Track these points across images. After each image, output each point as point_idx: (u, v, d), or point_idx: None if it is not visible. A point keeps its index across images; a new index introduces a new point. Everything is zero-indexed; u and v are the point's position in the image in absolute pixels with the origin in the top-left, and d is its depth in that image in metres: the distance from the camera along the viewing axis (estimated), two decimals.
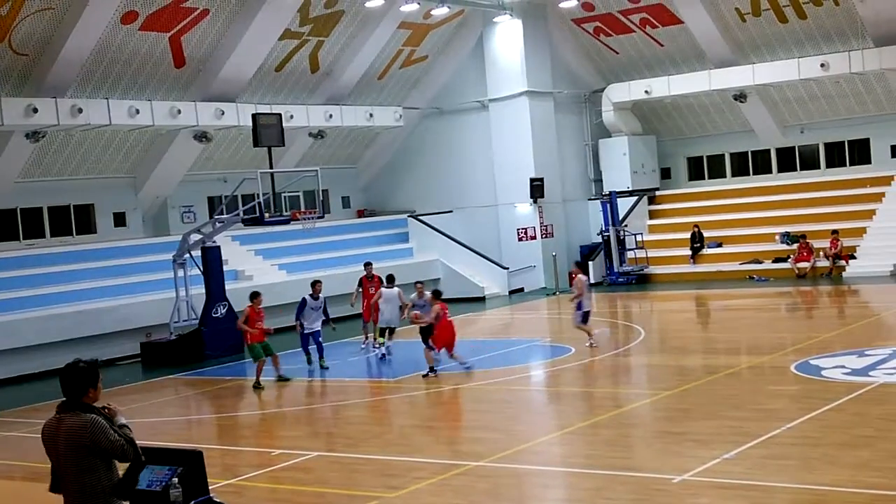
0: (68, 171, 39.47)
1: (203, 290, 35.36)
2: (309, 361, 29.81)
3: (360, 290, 33.10)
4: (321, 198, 37.36)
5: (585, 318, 28.80)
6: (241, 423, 23.72)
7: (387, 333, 30.56)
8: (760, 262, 44.74)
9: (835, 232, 42.88)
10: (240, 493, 16.50)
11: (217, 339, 34.25)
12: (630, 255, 47.67)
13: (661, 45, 48.67)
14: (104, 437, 8.94)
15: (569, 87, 50.46)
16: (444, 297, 28.29)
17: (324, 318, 29.90)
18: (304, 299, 29.62)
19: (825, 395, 19.92)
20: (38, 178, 38.60)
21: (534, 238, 47.94)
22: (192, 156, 41.95)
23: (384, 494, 15.76)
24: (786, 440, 16.88)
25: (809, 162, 49.17)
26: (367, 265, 33.56)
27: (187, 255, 35.26)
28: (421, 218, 48.97)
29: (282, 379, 27.53)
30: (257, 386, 26.92)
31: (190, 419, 25.23)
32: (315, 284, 29.82)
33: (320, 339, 29.66)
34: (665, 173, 52.55)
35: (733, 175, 51.29)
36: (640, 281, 46.77)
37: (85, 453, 8.96)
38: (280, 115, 36.68)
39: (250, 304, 27.45)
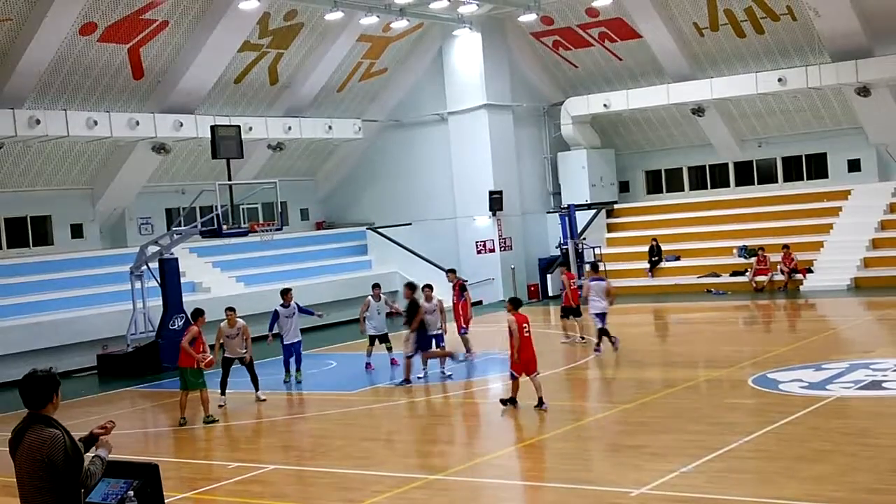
0: (25, 183, 39.22)
1: (160, 303, 35.17)
2: (287, 378, 29.08)
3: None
4: (280, 210, 37.38)
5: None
6: (198, 435, 23.56)
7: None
8: (718, 276, 44.92)
9: (786, 247, 43.10)
10: None
11: (174, 352, 33.86)
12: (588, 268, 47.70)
13: (620, 59, 48.86)
14: (62, 455, 8.85)
15: (528, 101, 50.58)
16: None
17: (309, 315, 29.73)
18: (275, 310, 29.10)
19: (782, 409, 20.00)
20: None
21: (492, 251, 47.99)
22: (151, 167, 41.76)
23: None
24: (743, 454, 16.93)
25: (767, 176, 49.43)
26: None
27: (145, 266, 35.09)
28: (380, 230, 48.92)
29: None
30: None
31: (146, 432, 25.07)
32: (285, 293, 29.32)
33: (300, 350, 29.25)
34: (623, 187, 52.70)
35: (691, 189, 51.50)
36: None
37: (39, 471, 8.84)
38: (239, 127, 36.64)
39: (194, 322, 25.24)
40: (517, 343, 21.80)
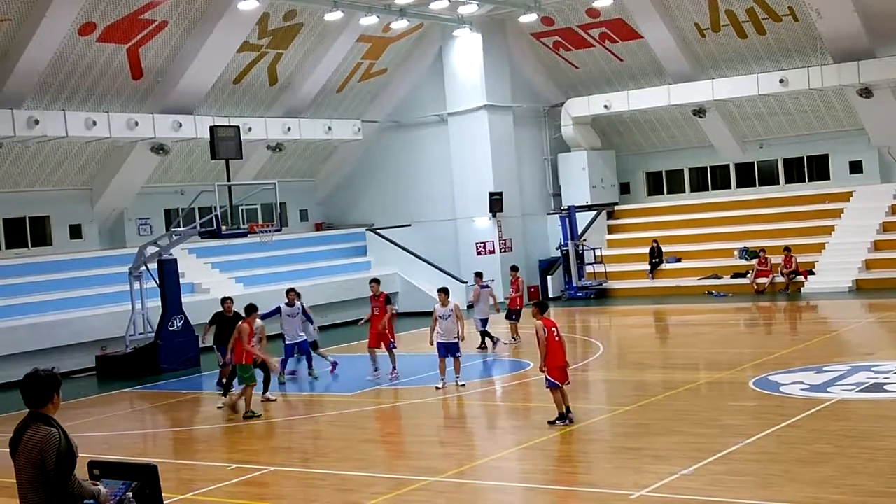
0: (24, 183, 39.15)
1: (159, 303, 35.08)
2: (283, 380, 28.88)
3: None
4: (279, 211, 37.33)
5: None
6: (197, 436, 23.52)
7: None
8: (719, 278, 44.84)
9: (787, 249, 43.03)
10: None
11: (173, 353, 34.01)
12: (589, 269, 47.70)
13: (621, 60, 48.77)
14: (54, 454, 8.82)
15: (528, 102, 50.50)
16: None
17: (309, 323, 29.70)
18: (278, 307, 29.22)
19: (783, 411, 19.93)
20: None
21: (492, 252, 47.90)
22: (149, 168, 41.68)
23: None
24: (744, 456, 16.85)
25: (768, 177, 49.35)
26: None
27: (144, 267, 35.00)
28: (379, 231, 48.82)
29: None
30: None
31: (145, 433, 25.01)
32: (289, 292, 29.47)
33: (307, 348, 29.49)
34: (624, 188, 52.63)
35: (692, 190, 51.41)
36: (599, 296, 46.81)
37: (34, 468, 8.85)
38: (238, 127, 36.53)
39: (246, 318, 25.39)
40: (544, 349, 20.37)
